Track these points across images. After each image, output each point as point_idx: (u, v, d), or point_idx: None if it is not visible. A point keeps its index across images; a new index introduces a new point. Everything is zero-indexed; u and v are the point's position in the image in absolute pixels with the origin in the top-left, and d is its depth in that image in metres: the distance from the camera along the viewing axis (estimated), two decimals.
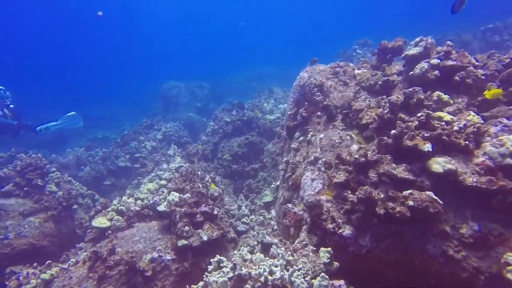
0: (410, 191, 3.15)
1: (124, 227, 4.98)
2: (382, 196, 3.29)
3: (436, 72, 3.82)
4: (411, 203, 3.05)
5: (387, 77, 4.51)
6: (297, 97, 5.37)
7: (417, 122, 3.44)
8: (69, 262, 4.48)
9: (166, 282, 4.29)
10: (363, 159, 3.51)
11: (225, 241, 5.19)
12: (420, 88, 3.69)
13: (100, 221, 4.96)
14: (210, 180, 5.77)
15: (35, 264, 4.88)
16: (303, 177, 4.28)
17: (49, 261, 4.66)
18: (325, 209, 3.61)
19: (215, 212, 5.05)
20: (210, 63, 41.81)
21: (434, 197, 2.98)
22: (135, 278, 4.09)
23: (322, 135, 4.39)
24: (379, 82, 4.55)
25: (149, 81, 31.90)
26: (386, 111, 3.81)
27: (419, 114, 3.45)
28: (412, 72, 4.02)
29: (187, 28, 55.51)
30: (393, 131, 3.52)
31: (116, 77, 40.67)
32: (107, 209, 5.43)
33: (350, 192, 3.56)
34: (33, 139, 19.04)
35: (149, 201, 5.29)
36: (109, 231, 4.90)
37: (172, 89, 21.81)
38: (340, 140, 4.16)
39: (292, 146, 5.01)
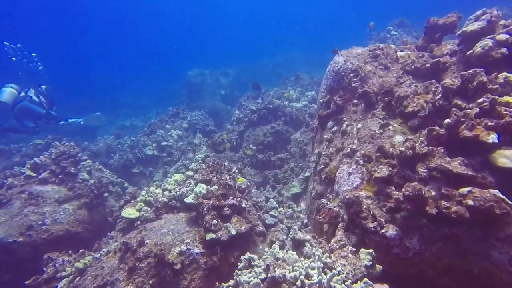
0: (468, 188, 2.74)
1: (153, 218, 4.95)
2: (433, 193, 2.91)
3: (503, 49, 3.27)
4: (470, 202, 2.65)
5: (437, 59, 3.98)
6: (330, 84, 4.97)
7: (477, 110, 2.97)
8: (101, 252, 4.53)
9: (195, 276, 4.21)
10: (411, 152, 3.11)
11: (254, 235, 5.03)
12: (481, 69, 3.17)
13: (129, 212, 4.97)
14: (237, 171, 5.58)
15: (70, 251, 5.01)
16: (338, 170, 3.95)
17: (83, 250, 4.75)
18: (364, 206, 3.29)
19: (243, 205, 4.87)
20: (235, 50, 41.43)
21: (501, 195, 2.56)
22: (164, 271, 4.04)
23: (359, 125, 4.00)
24: (427, 65, 4.04)
25: (175, 69, 32.28)
26: (438, 97, 3.35)
27: (481, 100, 2.98)
28: (471, 51, 3.48)
29: (211, 17, 55.14)
30: (447, 120, 3.08)
31: (143, 66, 41.61)
32: (135, 199, 5.42)
33: (393, 188, 3.20)
34: (67, 127, 20.06)
35: (176, 192, 5.21)
36: (138, 222, 4.89)
37: (197, 77, 21.80)
38: (381, 131, 3.76)
39: (325, 136, 4.66)
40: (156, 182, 5.77)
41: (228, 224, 4.59)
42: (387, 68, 4.47)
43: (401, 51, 4.74)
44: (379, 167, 3.40)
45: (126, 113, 22.86)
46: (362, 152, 3.71)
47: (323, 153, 4.45)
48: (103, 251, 4.54)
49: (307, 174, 6.84)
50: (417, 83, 4.01)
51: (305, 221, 5.36)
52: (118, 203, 8.41)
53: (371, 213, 3.23)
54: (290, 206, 6.32)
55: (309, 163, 5.47)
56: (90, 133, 19.72)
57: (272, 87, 17.24)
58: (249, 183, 5.50)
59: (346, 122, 4.38)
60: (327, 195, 4.14)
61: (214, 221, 4.50)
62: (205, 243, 4.48)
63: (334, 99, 4.74)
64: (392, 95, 3.99)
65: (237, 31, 50.22)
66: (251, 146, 9.58)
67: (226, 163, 5.80)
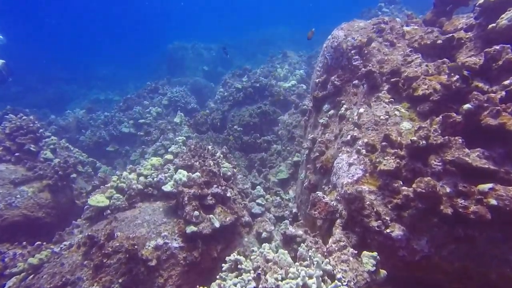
0: (490, 185, 2.39)
1: (125, 207, 4.39)
2: (448, 190, 2.54)
3: None
4: (493, 201, 2.30)
5: (450, 34, 3.52)
6: (328, 62, 4.44)
7: (503, 93, 2.57)
8: (61, 245, 3.96)
9: (173, 273, 3.77)
10: (424, 142, 2.71)
11: (239, 226, 4.62)
12: (508, 45, 2.74)
13: (98, 199, 4.38)
14: (221, 156, 5.07)
15: (24, 243, 4.39)
16: (336, 159, 3.53)
17: (39, 242, 4.14)
18: (367, 202, 2.90)
19: (228, 194, 4.40)
20: (220, 23, 39.34)
21: None
22: (137, 268, 3.56)
23: (362, 110, 3.55)
24: (439, 41, 3.58)
25: (154, 41, 30.28)
26: (455, 78, 2.91)
27: (507, 82, 2.57)
28: (493, 24, 3.03)
29: None
30: (467, 106, 2.67)
31: (120, 36, 38.87)
32: (106, 185, 4.82)
33: (401, 183, 2.82)
34: (34, 98, 18.49)
35: (153, 178, 4.65)
36: (108, 211, 4.33)
37: (178, 51, 20.46)
38: (387, 116, 3.33)
39: (320, 121, 4.19)
40: (130, 166, 5.14)
41: (211, 215, 4.13)
42: (393, 44, 3.98)
43: (407, 25, 4.25)
44: (385, 158, 3.00)
45: (101, 86, 21.34)
46: (365, 140, 3.27)
47: (319, 139, 4.00)
48: (65, 244, 3.98)
49: (296, 158, 6.44)
50: (427, 62, 3.56)
51: (294, 210, 4.99)
52: (90, 184, 7.75)
53: (375, 210, 2.85)
54: (278, 192, 5.95)
55: (301, 149, 5.02)
56: (60, 105, 18.31)
57: (258, 64, 16.46)
58: (235, 170, 5.02)
59: (345, 106, 3.91)
60: (323, 186, 3.74)
61: (196, 212, 4.02)
62: (185, 236, 4.02)
63: (331, 79, 4.24)
64: (399, 76, 3.53)
65: (223, 2, 47.58)
66: (236, 127, 9.01)
67: (210, 147, 5.25)
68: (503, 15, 2.96)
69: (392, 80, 3.50)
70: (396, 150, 2.96)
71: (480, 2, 3.26)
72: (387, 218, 2.78)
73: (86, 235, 3.72)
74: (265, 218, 4.82)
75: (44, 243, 4.23)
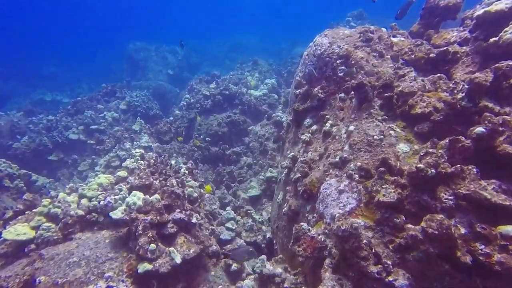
0: None
1: (58, 240, 3.45)
2: (463, 231, 2.12)
3: None
4: None
5: (444, 48, 3.23)
6: (310, 71, 3.98)
7: None
8: None
9: None
10: (433, 170, 2.28)
11: (205, 257, 3.90)
12: None
13: (18, 230, 3.38)
14: (186, 173, 4.33)
15: None
16: (323, 184, 3.01)
17: None
18: (364, 241, 2.39)
19: (194, 220, 3.68)
20: (183, 26, 38.10)
21: None
22: None
23: (351, 127, 3.09)
24: (432, 55, 3.27)
25: (112, 39, 28.27)
26: (459, 96, 2.56)
27: None
28: (496, 38, 2.75)
29: None
30: (479, 129, 2.31)
31: (73, 31, 35.82)
32: (33, 210, 3.81)
33: (404, 218, 2.36)
34: None
35: (99, 201, 3.77)
36: (32, 246, 3.35)
37: (140, 52, 19.14)
38: (381, 136, 2.89)
39: (302, 137, 3.69)
40: (70, 185, 4.18)
41: (171, 249, 3.37)
42: (382, 55, 3.63)
43: (394, 36, 3.95)
44: (383, 186, 2.53)
45: (48, 85, 19.12)
46: (358, 164, 2.80)
47: (301, 158, 3.47)
48: None
49: (268, 174, 5.88)
50: (419, 77, 3.22)
51: (268, 235, 4.40)
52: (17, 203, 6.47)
53: (373, 251, 2.35)
54: (249, 212, 5.31)
55: (274, 163, 4.46)
56: None
57: (226, 71, 15.86)
58: (202, 190, 4.29)
59: (330, 121, 3.44)
60: (306, 214, 3.19)
61: (152, 245, 3.24)
62: (136, 277, 3.21)
63: (314, 91, 3.77)
64: (392, 90, 3.14)
65: (192, 5, 46.31)
66: (197, 140, 8.26)
67: (173, 162, 4.49)
68: (506, 29, 2.70)
69: (385, 95, 3.09)
70: (396, 178, 2.51)
71: (479, 13, 2.99)
72: (388, 262, 2.29)
73: None
74: (235, 245, 4.15)
75: None
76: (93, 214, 3.74)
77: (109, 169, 6.82)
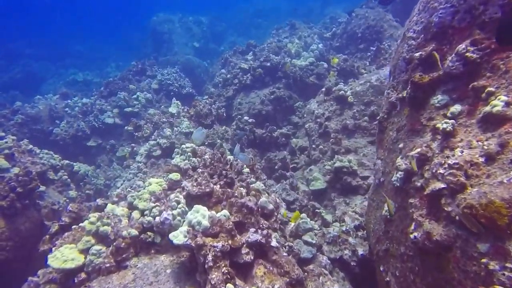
0: None
1: (110, 268, 2.79)
2: None
3: None
4: None
5: None
6: (440, 19, 2.75)
7: None
8: None
9: None
10: None
11: None
12: None
13: (65, 256, 2.75)
14: (252, 176, 3.44)
15: None
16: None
17: None
18: None
19: (274, 244, 2.85)
20: None
21: None
22: None
23: None
24: None
25: (135, 12, 27.14)
26: None
27: None
28: None
29: None
30: None
31: (93, 6, 34.81)
32: (80, 224, 3.16)
33: None
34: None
35: (154, 217, 3.03)
36: (82, 275, 2.72)
37: (164, 24, 17.94)
38: None
39: (434, 124, 2.59)
40: (118, 191, 3.49)
41: None
42: None
43: None
44: None
45: (78, 64, 18.73)
46: None
47: (438, 160, 2.41)
48: None
49: (338, 164, 4.89)
50: None
51: (361, 252, 3.51)
52: (64, 196, 6.07)
53: None
54: (316, 211, 4.43)
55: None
56: (32, 86, 15.83)
57: (253, 39, 14.41)
58: (277, 199, 3.42)
59: (502, 97, 2.23)
60: (480, 257, 2.18)
61: (229, 285, 2.47)
62: None
63: (459, 48, 2.57)
64: None
65: None
66: (246, 118, 7.33)
67: (231, 157, 3.63)
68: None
69: None
70: None
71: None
72: None
73: None
74: (320, 266, 3.31)
75: None
76: (148, 233, 3.03)
77: (150, 160, 6.19)
